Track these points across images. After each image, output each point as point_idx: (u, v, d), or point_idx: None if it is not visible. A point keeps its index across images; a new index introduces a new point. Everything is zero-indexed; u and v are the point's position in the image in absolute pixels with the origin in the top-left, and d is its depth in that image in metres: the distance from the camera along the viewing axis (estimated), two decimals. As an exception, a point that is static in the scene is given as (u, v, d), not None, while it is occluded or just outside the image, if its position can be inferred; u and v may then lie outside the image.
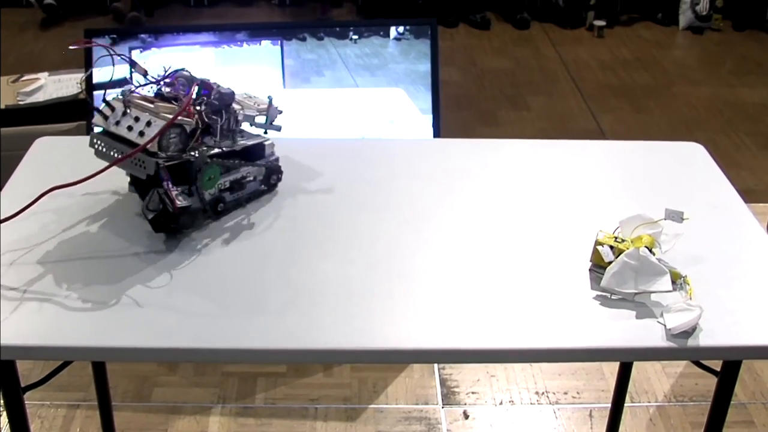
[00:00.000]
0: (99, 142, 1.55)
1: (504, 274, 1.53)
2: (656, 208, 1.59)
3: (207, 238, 1.58)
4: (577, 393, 2.69)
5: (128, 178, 1.66)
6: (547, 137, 1.93)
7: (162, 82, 1.59)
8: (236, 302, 1.42)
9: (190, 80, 1.59)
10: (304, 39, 2.71)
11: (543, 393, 2.68)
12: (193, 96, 1.55)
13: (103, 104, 1.56)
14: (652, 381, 2.74)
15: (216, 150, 1.58)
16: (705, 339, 1.41)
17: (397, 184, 1.77)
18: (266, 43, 2.71)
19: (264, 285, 1.46)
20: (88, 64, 2.77)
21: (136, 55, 2.76)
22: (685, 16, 6.14)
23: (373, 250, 1.58)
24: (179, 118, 1.50)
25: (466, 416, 2.59)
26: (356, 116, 2.72)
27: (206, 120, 1.56)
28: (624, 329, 1.43)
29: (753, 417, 2.64)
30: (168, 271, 1.49)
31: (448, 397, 2.66)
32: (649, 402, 2.67)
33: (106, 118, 1.55)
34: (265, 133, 1.70)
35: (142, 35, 2.73)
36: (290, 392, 2.66)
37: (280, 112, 1.70)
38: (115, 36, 2.78)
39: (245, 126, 1.68)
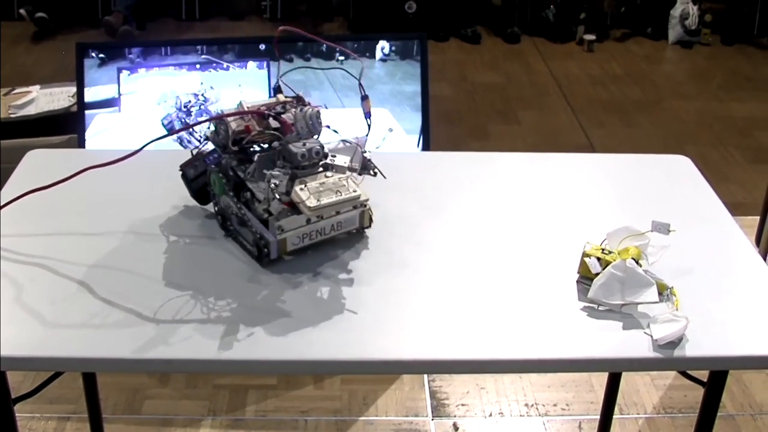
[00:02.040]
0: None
1: (493, 286, 1.54)
2: (643, 220, 1.60)
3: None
4: (567, 405, 2.70)
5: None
6: (537, 152, 1.94)
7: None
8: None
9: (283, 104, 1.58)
10: (291, 60, 2.72)
11: (532, 405, 2.69)
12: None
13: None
14: (642, 393, 2.75)
15: (234, 162, 1.56)
16: (691, 349, 1.42)
17: (388, 196, 1.78)
18: (252, 66, 2.72)
19: (256, 296, 1.47)
20: (79, 77, 2.78)
21: (124, 77, 2.75)
22: (674, 31, 6.17)
23: (365, 262, 1.59)
24: (231, 117, 1.52)
25: (456, 428, 2.59)
26: (342, 136, 2.73)
27: (260, 141, 1.54)
28: (611, 340, 1.44)
29: (741, 428, 2.65)
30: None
31: (438, 409, 2.66)
32: (638, 414, 2.68)
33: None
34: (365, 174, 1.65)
35: (131, 55, 2.74)
36: (281, 404, 2.66)
37: (368, 158, 1.64)
38: (103, 54, 2.79)
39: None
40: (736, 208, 3.83)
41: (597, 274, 1.53)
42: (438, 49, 5.90)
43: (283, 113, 1.54)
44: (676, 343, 1.43)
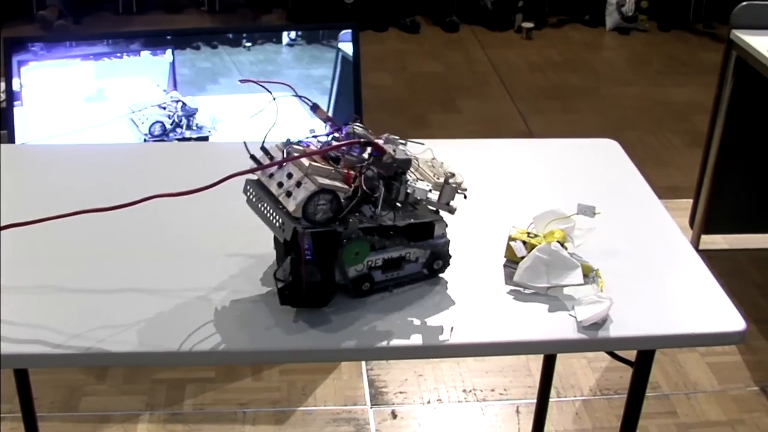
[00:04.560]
0: (251, 191, 1.40)
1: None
2: (571, 203, 1.61)
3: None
4: (504, 390, 2.72)
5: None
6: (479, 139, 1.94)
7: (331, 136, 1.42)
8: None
9: (362, 137, 1.41)
10: (198, 48, 2.71)
11: (470, 391, 2.71)
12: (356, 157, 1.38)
13: (261, 152, 1.39)
14: (578, 376, 2.78)
15: (369, 224, 1.39)
16: (616, 330, 1.44)
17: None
18: (146, 54, 2.69)
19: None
20: (8, 73, 2.74)
21: (25, 70, 2.68)
22: (611, 18, 6.23)
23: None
24: (331, 183, 1.32)
25: (395, 416, 2.60)
26: (247, 121, 2.72)
27: (368, 188, 1.35)
28: (537, 323, 1.45)
29: (676, 407, 2.69)
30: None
31: (377, 397, 2.67)
32: (576, 396, 2.71)
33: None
34: (436, 212, 1.48)
35: (33, 47, 2.69)
36: (219, 397, 2.65)
37: (461, 192, 1.46)
38: (36, 45, 2.74)
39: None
40: (673, 191, 3.92)
41: (522, 257, 1.54)
42: (377, 39, 5.90)
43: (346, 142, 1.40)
44: (600, 324, 1.44)
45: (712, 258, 3.38)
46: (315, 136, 1.42)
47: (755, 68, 2.94)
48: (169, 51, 2.71)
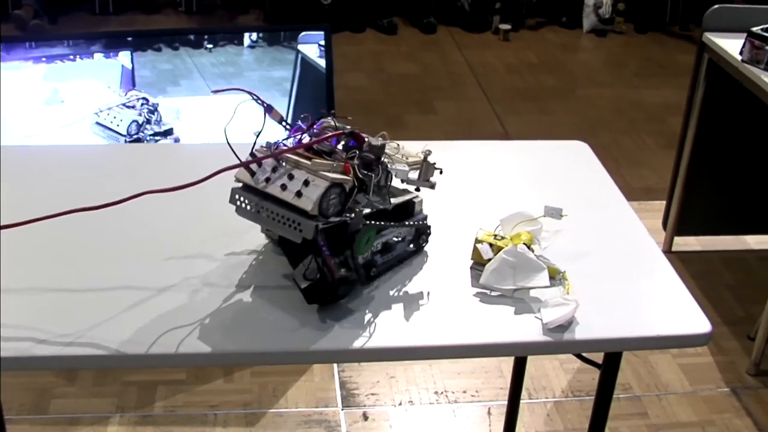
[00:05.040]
0: (243, 199, 1.41)
1: (391, 273, 1.54)
2: (540, 205, 1.62)
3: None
4: (476, 391, 2.71)
5: (264, 237, 1.56)
6: (450, 141, 1.94)
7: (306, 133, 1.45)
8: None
9: (336, 129, 1.44)
10: (159, 49, 2.69)
11: (442, 392, 2.70)
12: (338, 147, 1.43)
13: (249, 158, 1.40)
14: (550, 377, 2.78)
15: (368, 210, 1.43)
16: (582, 332, 1.44)
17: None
18: (99, 56, 2.67)
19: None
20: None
21: None
22: (588, 20, 6.24)
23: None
24: (338, 176, 1.35)
25: (366, 418, 2.60)
26: (206, 123, 2.71)
27: (360, 176, 1.40)
28: (502, 325, 1.45)
29: (647, 409, 2.69)
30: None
31: (348, 399, 2.66)
32: (547, 398, 2.71)
33: (252, 174, 1.39)
34: (417, 190, 1.55)
35: None
36: (190, 399, 2.64)
37: (438, 170, 1.54)
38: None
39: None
40: (647, 193, 3.94)
41: (489, 259, 1.54)
42: (354, 40, 5.89)
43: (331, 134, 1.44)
44: (565, 326, 1.44)
45: (684, 260, 3.40)
46: (291, 136, 1.45)
47: (727, 71, 2.95)
48: (122, 53, 2.69)
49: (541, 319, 1.45)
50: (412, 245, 1.57)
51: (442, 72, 5.45)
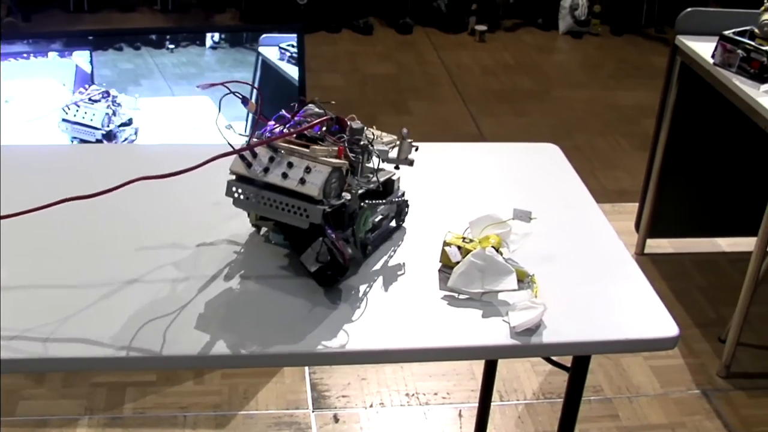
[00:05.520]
0: (241, 190, 1.44)
1: (360, 275, 1.53)
2: (510, 208, 1.61)
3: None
4: (447, 393, 2.71)
5: (250, 227, 1.59)
6: (428, 142, 1.93)
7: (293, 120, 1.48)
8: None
9: (321, 116, 1.49)
10: (120, 49, 2.67)
11: (413, 394, 2.70)
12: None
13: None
14: (522, 379, 2.78)
15: (362, 190, 1.50)
16: (549, 336, 1.44)
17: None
18: (53, 55, 2.65)
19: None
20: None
21: None
22: (564, 21, 6.25)
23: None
24: (337, 161, 1.41)
25: (336, 420, 2.59)
26: (164, 124, 2.70)
27: (354, 158, 1.47)
28: (470, 328, 1.44)
29: (618, 411, 2.70)
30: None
31: (319, 401, 2.65)
32: (518, 400, 2.71)
33: (248, 165, 1.42)
34: (397, 168, 1.61)
35: None
36: (160, 401, 2.62)
37: (415, 147, 1.59)
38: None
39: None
40: (621, 195, 3.95)
41: (457, 262, 1.53)
42: (330, 40, 5.88)
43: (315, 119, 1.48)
44: (533, 330, 1.44)
45: (657, 262, 3.41)
46: (274, 126, 1.48)
47: (699, 74, 2.96)
48: (77, 53, 2.67)
49: (509, 323, 1.45)
50: (394, 222, 1.65)
51: (418, 73, 5.45)
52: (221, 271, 1.51)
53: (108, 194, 1.41)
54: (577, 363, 1.63)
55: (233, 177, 1.44)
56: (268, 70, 2.72)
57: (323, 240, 1.42)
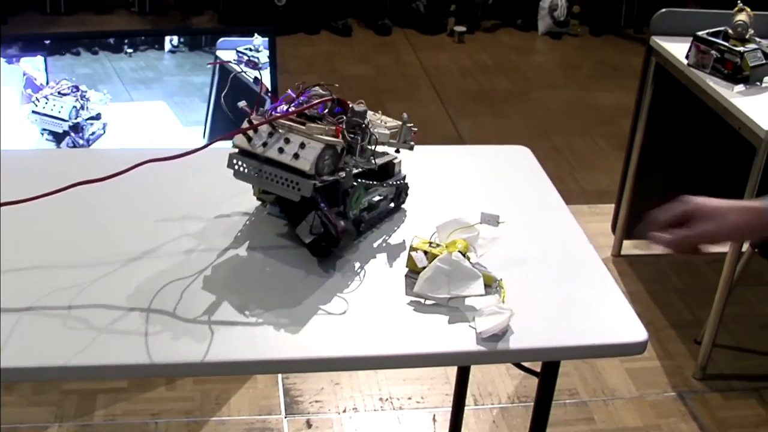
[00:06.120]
0: (241, 163, 1.51)
1: (327, 280, 1.52)
2: (478, 211, 1.60)
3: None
4: (421, 398, 2.69)
5: (256, 200, 1.68)
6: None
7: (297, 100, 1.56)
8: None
9: (324, 96, 1.57)
10: (78, 53, 2.64)
11: (387, 399, 2.68)
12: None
13: (246, 124, 1.49)
14: (497, 383, 2.76)
15: (357, 170, 1.56)
16: (517, 342, 1.42)
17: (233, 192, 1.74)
18: (2, 61, 2.62)
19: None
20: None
21: None
22: (543, 22, 6.25)
23: (198, 260, 1.54)
24: (331, 139, 1.48)
25: (309, 425, 2.56)
26: (120, 129, 2.67)
27: (351, 138, 1.52)
28: (436, 334, 1.43)
29: (593, 414, 2.68)
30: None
31: (292, 406, 2.63)
32: (493, 404, 2.69)
33: (249, 139, 1.49)
34: (397, 151, 1.70)
35: None
36: (131, 408, 2.59)
37: (414, 131, 1.71)
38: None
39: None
40: (600, 196, 3.93)
41: (423, 267, 1.51)
42: (308, 41, 5.86)
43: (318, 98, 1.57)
44: (499, 335, 1.42)
45: (633, 263, 3.40)
46: (279, 104, 1.55)
47: (673, 75, 2.95)
48: (24, 59, 2.64)
49: (475, 328, 1.43)
50: (393, 204, 1.71)
51: (396, 74, 5.43)
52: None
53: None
54: (547, 368, 1.62)
55: (236, 150, 1.51)
56: (225, 74, 2.70)
57: (317, 213, 1.51)
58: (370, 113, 1.63)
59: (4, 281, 1.44)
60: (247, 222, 1.66)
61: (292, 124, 1.50)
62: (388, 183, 1.68)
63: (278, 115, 1.51)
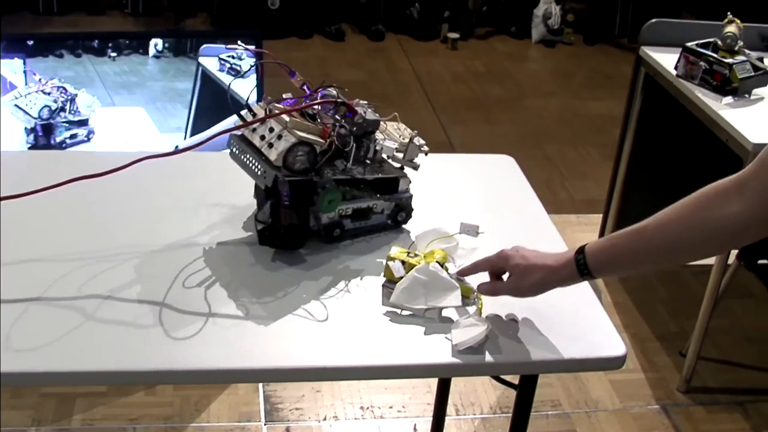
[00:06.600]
0: (235, 144, 1.57)
1: (303, 289, 1.50)
2: (458, 221, 1.59)
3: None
4: (403, 407, 2.67)
5: (246, 202, 1.72)
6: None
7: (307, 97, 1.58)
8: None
9: (335, 99, 1.59)
10: (61, 56, 2.62)
11: (368, 408, 2.65)
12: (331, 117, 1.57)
13: (246, 110, 1.55)
14: (479, 393, 2.74)
15: (342, 176, 1.57)
16: (494, 355, 1.41)
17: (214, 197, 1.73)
18: None
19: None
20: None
21: None
22: (537, 30, 6.24)
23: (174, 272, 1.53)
24: (309, 137, 1.50)
25: (289, 433, 2.55)
26: (97, 134, 2.66)
27: (341, 143, 1.54)
28: (412, 346, 1.42)
29: (576, 426, 2.67)
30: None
31: (272, 413, 2.60)
32: (475, 414, 2.67)
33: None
34: (402, 168, 1.70)
35: None
36: (109, 412, 2.57)
37: (423, 151, 1.71)
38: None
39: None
40: (590, 205, 3.92)
41: (401, 277, 1.50)
42: (301, 46, 5.84)
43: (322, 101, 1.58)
44: (475, 348, 1.41)
45: (618, 274, 3.38)
46: (291, 99, 1.59)
47: (662, 85, 2.94)
48: (3, 61, 2.62)
49: (451, 341, 1.41)
50: (389, 220, 1.69)
51: (388, 79, 5.42)
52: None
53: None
54: (524, 381, 1.60)
55: (239, 133, 1.57)
56: (207, 81, 2.68)
57: (271, 203, 1.53)
58: (391, 124, 1.70)
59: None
60: (229, 228, 1.67)
61: (283, 116, 1.52)
62: (378, 196, 1.66)
63: (281, 107, 1.54)
